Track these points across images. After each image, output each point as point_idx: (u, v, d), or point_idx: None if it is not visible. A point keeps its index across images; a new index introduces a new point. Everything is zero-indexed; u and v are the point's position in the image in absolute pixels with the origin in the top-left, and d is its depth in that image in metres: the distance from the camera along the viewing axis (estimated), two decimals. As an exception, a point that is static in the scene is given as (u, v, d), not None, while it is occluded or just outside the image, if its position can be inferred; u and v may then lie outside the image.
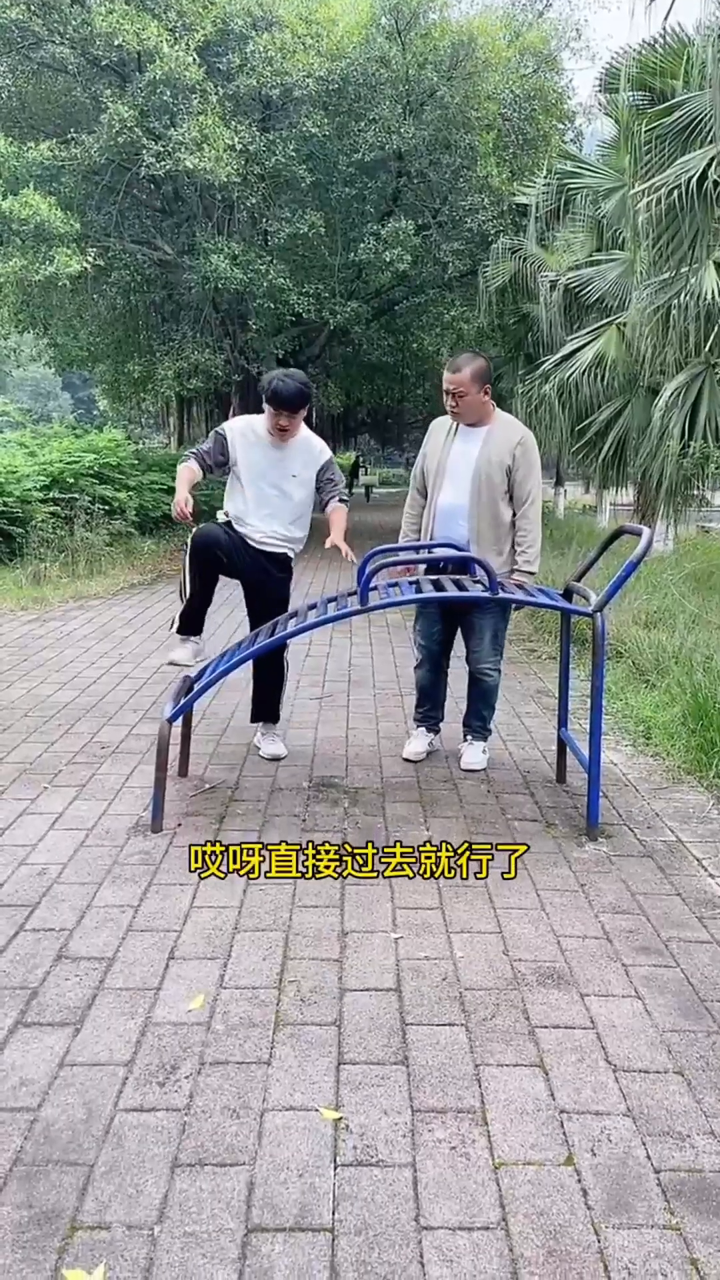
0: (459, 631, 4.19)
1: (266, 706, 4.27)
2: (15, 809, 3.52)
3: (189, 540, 3.90)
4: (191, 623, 3.93)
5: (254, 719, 4.31)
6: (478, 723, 4.19)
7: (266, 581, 4.08)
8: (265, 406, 3.84)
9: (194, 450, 4.04)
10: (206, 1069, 2.03)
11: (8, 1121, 1.86)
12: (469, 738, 4.20)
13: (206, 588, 3.91)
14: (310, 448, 4.03)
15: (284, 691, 4.33)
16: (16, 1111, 1.89)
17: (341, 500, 4.07)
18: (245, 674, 5.69)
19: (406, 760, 4.20)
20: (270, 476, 3.96)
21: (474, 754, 4.14)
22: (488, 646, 4.06)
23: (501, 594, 3.41)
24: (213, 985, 2.35)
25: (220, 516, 4.09)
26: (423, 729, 4.31)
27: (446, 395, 3.90)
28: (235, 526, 4.01)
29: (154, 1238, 1.59)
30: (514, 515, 3.95)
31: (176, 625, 3.97)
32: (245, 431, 3.95)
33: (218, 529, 3.96)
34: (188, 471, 3.92)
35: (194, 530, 3.90)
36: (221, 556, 3.88)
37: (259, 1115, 1.89)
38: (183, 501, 3.75)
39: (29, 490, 10.09)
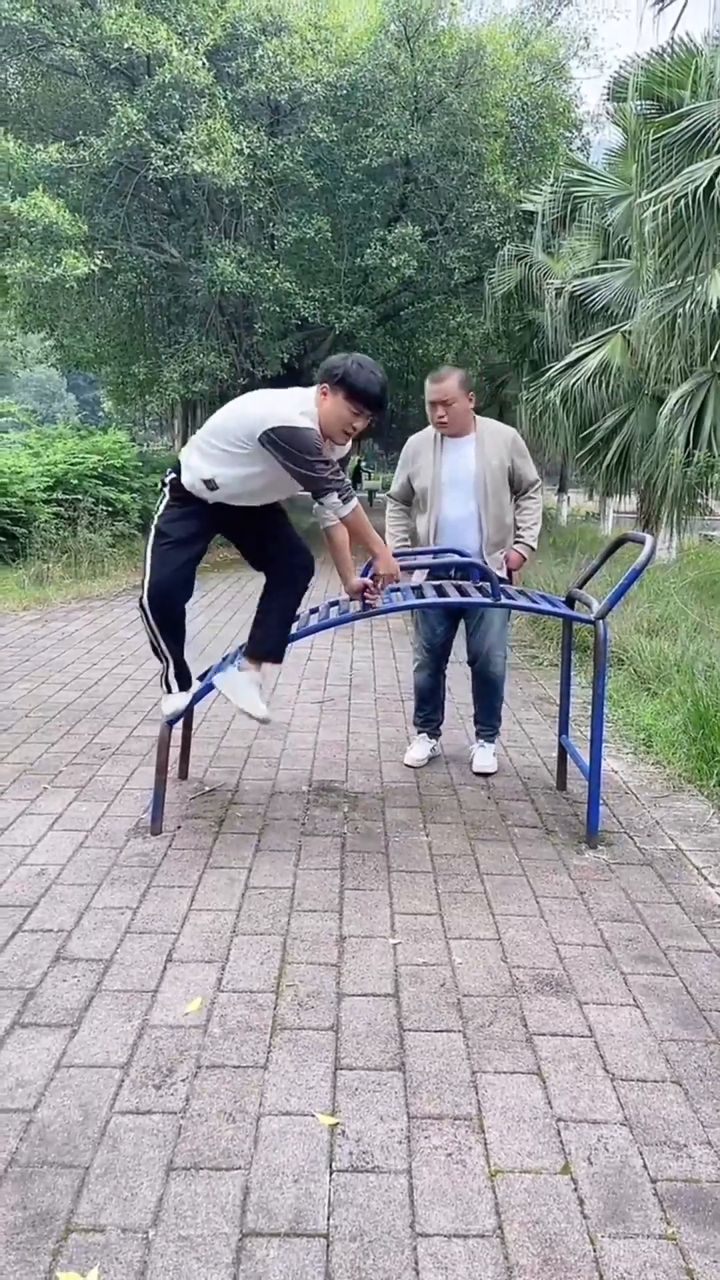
0: (458, 632, 4.21)
1: (274, 638, 3.45)
2: (15, 809, 3.52)
3: (142, 604, 3.21)
4: (184, 676, 3.40)
5: (254, 655, 3.45)
6: (494, 720, 4.19)
7: (259, 508, 3.35)
8: (326, 395, 3.03)
9: (342, 484, 3.02)
10: (203, 1072, 2.03)
11: (3, 1122, 1.86)
12: (480, 741, 4.21)
13: (180, 638, 3.36)
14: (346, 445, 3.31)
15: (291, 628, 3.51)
16: (12, 1113, 1.88)
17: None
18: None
19: (407, 766, 4.20)
20: None
21: (485, 757, 4.15)
22: (496, 636, 4.07)
23: (504, 600, 3.41)
24: (210, 988, 2.35)
25: (192, 480, 3.16)
26: (424, 734, 4.31)
27: (433, 407, 3.85)
28: (205, 490, 3.15)
29: (148, 1241, 1.59)
30: (515, 510, 4.05)
31: (174, 686, 3.37)
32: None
33: (170, 571, 3.17)
34: (366, 518, 3.14)
35: (144, 592, 3.20)
36: (182, 597, 3.24)
37: (255, 1120, 1.89)
38: (394, 561, 3.26)
39: (32, 491, 10.10)
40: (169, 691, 3.39)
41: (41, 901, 2.79)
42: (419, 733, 4.33)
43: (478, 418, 4.01)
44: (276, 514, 3.43)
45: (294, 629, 3.50)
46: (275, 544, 3.44)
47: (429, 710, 4.30)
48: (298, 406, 3.00)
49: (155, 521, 3.25)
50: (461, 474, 3.92)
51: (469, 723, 4.79)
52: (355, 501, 3.05)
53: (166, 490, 3.26)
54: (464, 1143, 1.84)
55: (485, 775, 4.08)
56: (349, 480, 3.08)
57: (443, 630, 4.16)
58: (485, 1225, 1.64)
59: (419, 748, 4.27)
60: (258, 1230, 1.61)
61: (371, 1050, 2.12)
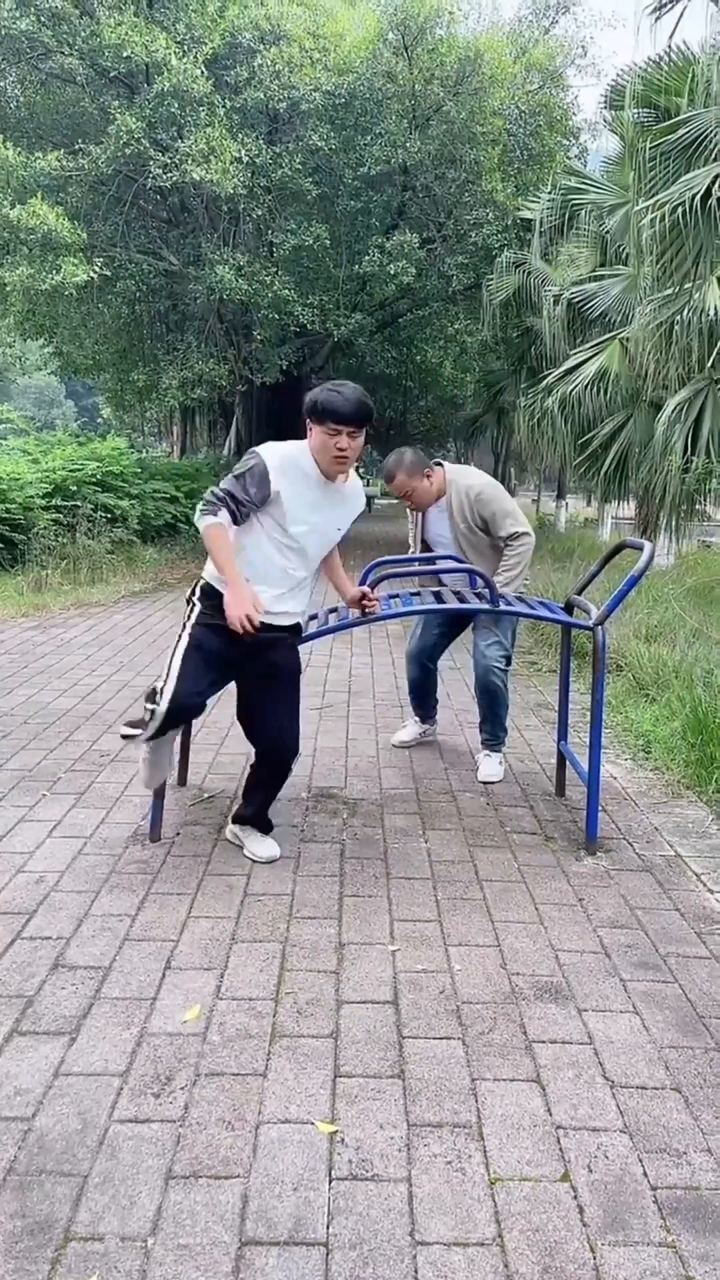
0: (454, 639, 4.43)
1: (253, 813, 3.26)
2: (14, 816, 3.52)
3: (153, 709, 2.88)
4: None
5: (237, 819, 3.30)
6: (497, 730, 4.18)
7: (277, 661, 3.07)
8: (311, 431, 2.90)
9: (217, 496, 2.84)
10: (202, 1080, 2.02)
11: (2, 1131, 1.85)
12: (485, 750, 4.23)
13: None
14: (359, 489, 3.17)
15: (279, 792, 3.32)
16: (11, 1121, 1.88)
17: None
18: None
19: (394, 746, 4.47)
20: (321, 529, 3.01)
21: (490, 766, 4.16)
22: (491, 647, 4.08)
23: (502, 605, 3.42)
24: (209, 996, 2.34)
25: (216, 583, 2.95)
26: (416, 719, 4.56)
27: (402, 498, 4.07)
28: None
29: (147, 1249, 1.58)
30: None
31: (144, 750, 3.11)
32: (286, 463, 2.89)
33: (198, 685, 2.91)
34: (224, 539, 2.82)
35: (163, 700, 2.87)
36: (197, 712, 3.01)
37: (254, 1128, 1.88)
38: (250, 602, 2.82)
39: (32, 497, 10.11)
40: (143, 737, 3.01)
41: (40, 909, 2.79)
42: (413, 717, 4.57)
43: (450, 473, 4.04)
44: (283, 681, 3.11)
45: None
46: (261, 712, 3.14)
47: (418, 697, 4.50)
48: (283, 444, 2.96)
49: (188, 628, 2.96)
50: (442, 536, 4.09)
51: (468, 729, 4.79)
52: (212, 521, 2.80)
53: (196, 599, 3.01)
54: (463, 1151, 1.83)
55: (489, 783, 4.08)
56: (221, 506, 2.81)
57: (431, 641, 4.33)
58: (485, 1234, 1.63)
59: (408, 729, 4.53)
60: (257, 1239, 1.61)
61: (371, 1058, 2.11)
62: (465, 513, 3.95)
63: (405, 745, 4.49)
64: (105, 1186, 1.72)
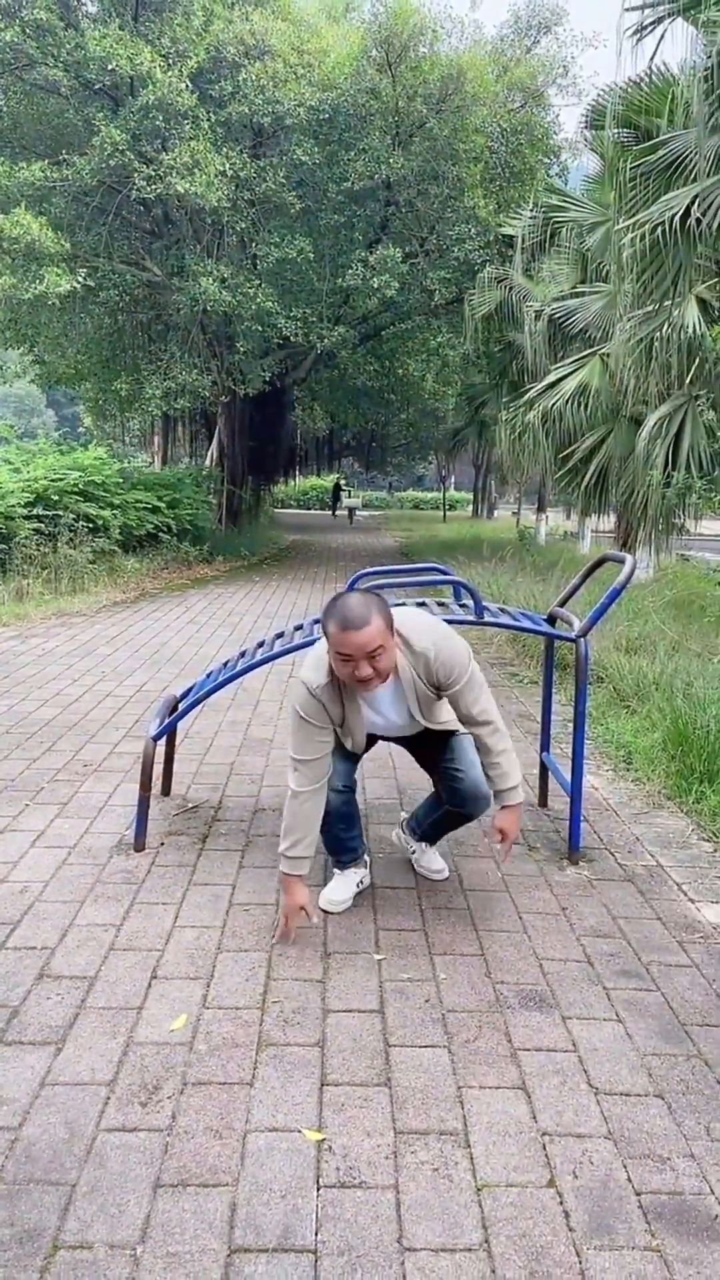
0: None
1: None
2: (-4, 826, 3.50)
3: None
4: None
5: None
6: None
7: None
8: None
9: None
10: (189, 1089, 2.02)
11: (-12, 1140, 1.85)
12: (423, 844, 3.21)
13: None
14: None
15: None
16: (-3, 1130, 1.88)
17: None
18: (229, 694, 5.69)
19: (324, 911, 2.90)
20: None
21: (436, 859, 3.21)
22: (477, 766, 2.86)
23: (487, 617, 3.45)
24: (195, 1005, 2.35)
25: None
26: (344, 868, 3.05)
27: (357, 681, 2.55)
28: None
29: (136, 1258, 1.58)
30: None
31: None
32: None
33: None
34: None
35: None
36: None
37: (242, 1136, 1.89)
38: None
39: (13, 506, 10.07)
40: None
41: (24, 919, 2.78)
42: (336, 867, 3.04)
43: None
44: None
45: (280, 646, 3.50)
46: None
47: (346, 840, 2.98)
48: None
49: None
50: (387, 721, 2.86)
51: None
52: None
53: None
54: (450, 1157, 1.85)
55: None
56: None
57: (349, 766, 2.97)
58: (472, 1239, 1.65)
59: (340, 886, 2.98)
60: (246, 1246, 1.62)
61: (357, 1066, 2.12)
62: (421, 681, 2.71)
63: (340, 907, 2.91)
64: (93, 1195, 1.72)
